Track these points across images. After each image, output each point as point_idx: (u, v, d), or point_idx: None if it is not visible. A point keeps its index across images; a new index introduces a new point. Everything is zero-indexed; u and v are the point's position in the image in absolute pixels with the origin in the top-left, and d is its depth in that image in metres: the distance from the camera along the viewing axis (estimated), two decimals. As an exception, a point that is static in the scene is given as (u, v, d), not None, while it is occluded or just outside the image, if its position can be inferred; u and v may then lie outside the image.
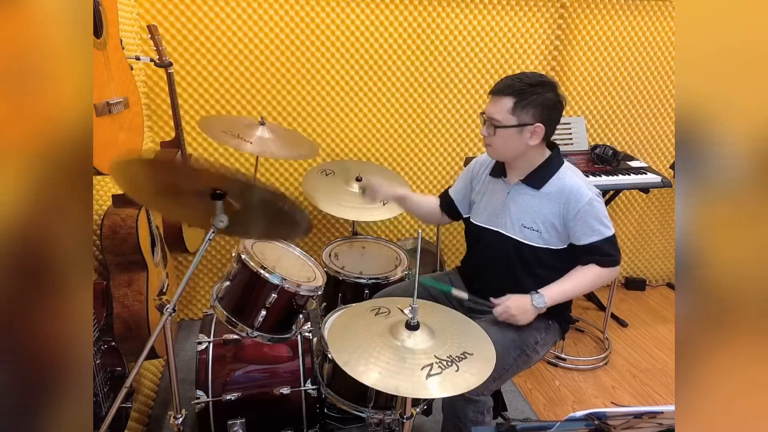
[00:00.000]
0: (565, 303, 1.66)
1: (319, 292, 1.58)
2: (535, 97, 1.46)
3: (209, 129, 2.00)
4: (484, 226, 1.68)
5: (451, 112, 2.64)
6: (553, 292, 1.54)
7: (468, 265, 1.80)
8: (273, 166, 2.55)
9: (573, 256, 1.58)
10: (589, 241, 1.53)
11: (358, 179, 2.27)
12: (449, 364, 1.14)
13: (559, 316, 1.65)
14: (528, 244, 1.58)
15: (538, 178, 1.56)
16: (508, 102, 1.47)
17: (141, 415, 1.90)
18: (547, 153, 1.59)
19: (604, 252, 1.53)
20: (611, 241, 1.54)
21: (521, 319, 1.52)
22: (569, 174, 1.56)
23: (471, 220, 1.75)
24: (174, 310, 1.20)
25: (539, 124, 1.48)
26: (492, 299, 1.57)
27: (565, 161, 1.61)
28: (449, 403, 1.52)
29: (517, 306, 1.52)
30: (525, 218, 1.58)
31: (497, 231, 1.64)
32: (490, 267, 1.67)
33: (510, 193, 1.61)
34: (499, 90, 1.50)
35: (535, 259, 1.58)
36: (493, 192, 1.68)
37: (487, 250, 1.68)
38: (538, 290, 1.53)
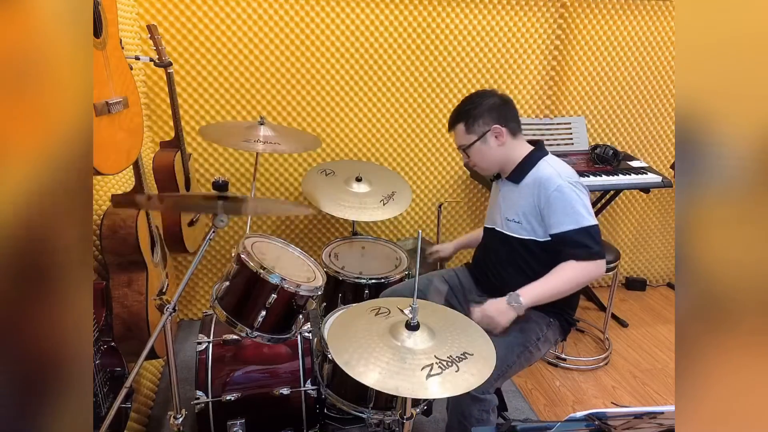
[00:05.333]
0: (567, 302, 1.67)
1: (319, 293, 1.58)
2: (478, 108, 1.61)
3: (210, 136, 2.01)
4: (486, 226, 1.80)
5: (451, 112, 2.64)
6: (529, 291, 1.50)
7: (474, 262, 1.90)
8: (273, 166, 2.55)
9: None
10: (561, 230, 1.52)
11: (358, 179, 2.27)
12: (449, 364, 1.14)
13: (560, 314, 1.67)
14: (514, 236, 1.63)
15: (517, 172, 1.64)
16: (461, 127, 1.65)
17: (141, 415, 1.90)
18: (528, 149, 1.66)
19: (578, 242, 1.49)
20: (588, 231, 1.50)
21: (501, 320, 1.49)
22: (545, 165, 1.61)
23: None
24: (174, 310, 1.20)
25: (495, 126, 1.60)
26: (470, 307, 1.56)
27: (549, 155, 1.65)
28: (455, 401, 1.52)
29: (495, 308, 1.50)
30: (509, 212, 1.65)
31: (492, 228, 1.74)
32: (490, 262, 1.76)
33: (500, 190, 1.72)
34: (450, 124, 1.69)
35: (525, 250, 1.62)
36: (493, 194, 1.80)
37: (487, 246, 1.80)
38: (516, 290, 1.51)
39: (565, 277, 1.52)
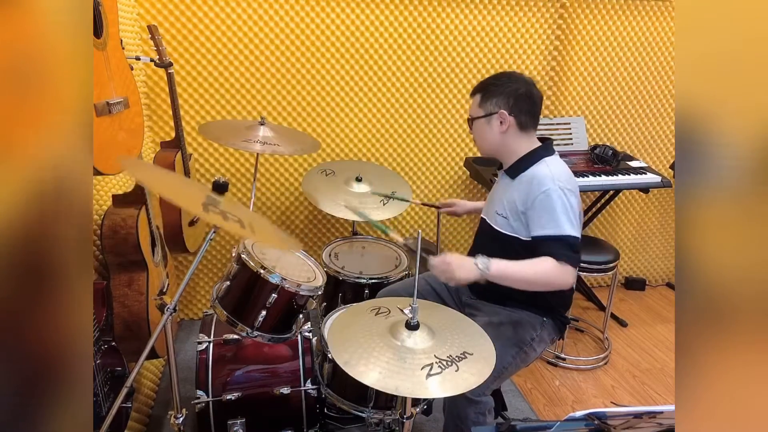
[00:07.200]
0: (560, 300, 1.67)
1: (319, 292, 1.58)
2: (499, 87, 1.57)
3: (210, 134, 2.00)
4: (481, 215, 1.78)
5: (451, 112, 2.64)
6: (501, 265, 1.44)
7: (470, 254, 1.83)
8: (273, 166, 2.55)
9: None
10: (541, 233, 1.47)
11: (358, 179, 2.28)
12: (449, 363, 1.14)
13: (553, 313, 1.65)
14: (500, 231, 1.62)
15: (515, 168, 1.61)
16: (477, 98, 1.62)
17: (141, 415, 1.90)
18: (534, 146, 1.60)
19: (555, 251, 1.44)
20: (566, 241, 1.45)
21: (458, 273, 1.42)
22: (543, 165, 1.54)
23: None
24: (175, 309, 1.20)
25: (502, 111, 1.55)
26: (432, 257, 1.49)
27: (552, 156, 1.58)
28: (451, 404, 1.52)
29: (457, 260, 1.44)
30: (498, 205, 1.63)
31: (484, 219, 1.73)
32: (479, 253, 1.66)
33: (499, 183, 1.70)
34: (472, 92, 1.65)
35: (509, 247, 1.55)
36: (495, 184, 1.77)
37: (479, 237, 1.78)
38: (490, 258, 1.45)
39: (540, 270, 1.44)
